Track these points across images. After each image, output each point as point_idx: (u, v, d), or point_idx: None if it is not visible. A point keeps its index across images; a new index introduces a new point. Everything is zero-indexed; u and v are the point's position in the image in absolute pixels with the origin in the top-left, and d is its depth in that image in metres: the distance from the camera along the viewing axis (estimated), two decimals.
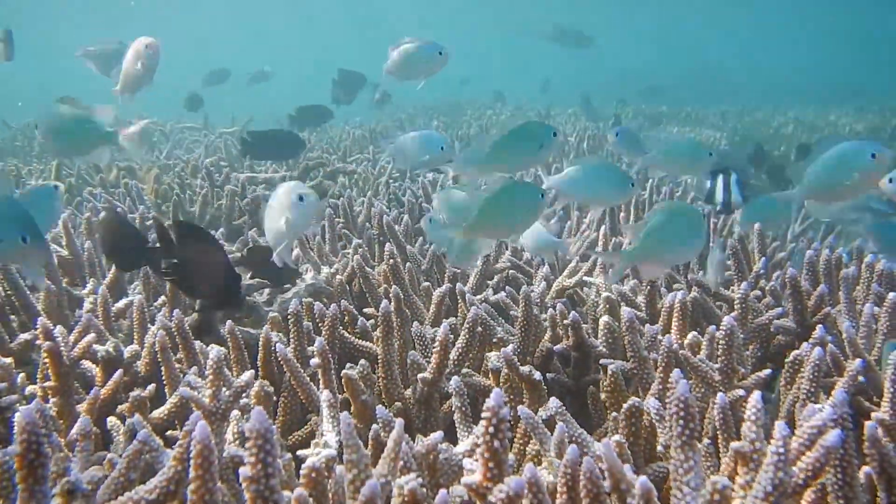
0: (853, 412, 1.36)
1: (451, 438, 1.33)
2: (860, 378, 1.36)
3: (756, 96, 10.17)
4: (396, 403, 1.51)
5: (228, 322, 1.58)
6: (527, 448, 1.27)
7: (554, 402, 1.24)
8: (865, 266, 1.87)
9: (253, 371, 1.33)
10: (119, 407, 1.50)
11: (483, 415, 0.83)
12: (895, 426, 1.21)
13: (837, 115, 7.48)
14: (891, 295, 1.52)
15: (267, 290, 2.08)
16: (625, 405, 1.26)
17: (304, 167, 3.88)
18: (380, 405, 1.30)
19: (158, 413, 1.47)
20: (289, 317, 1.59)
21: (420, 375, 1.48)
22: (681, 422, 0.91)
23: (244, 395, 1.26)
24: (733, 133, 6.85)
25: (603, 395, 1.48)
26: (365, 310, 2.04)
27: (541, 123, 1.91)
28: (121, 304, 1.90)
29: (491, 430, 0.82)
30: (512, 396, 1.47)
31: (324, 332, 1.59)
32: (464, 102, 8.89)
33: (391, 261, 2.03)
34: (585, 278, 2.12)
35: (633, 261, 1.72)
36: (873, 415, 1.22)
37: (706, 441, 1.26)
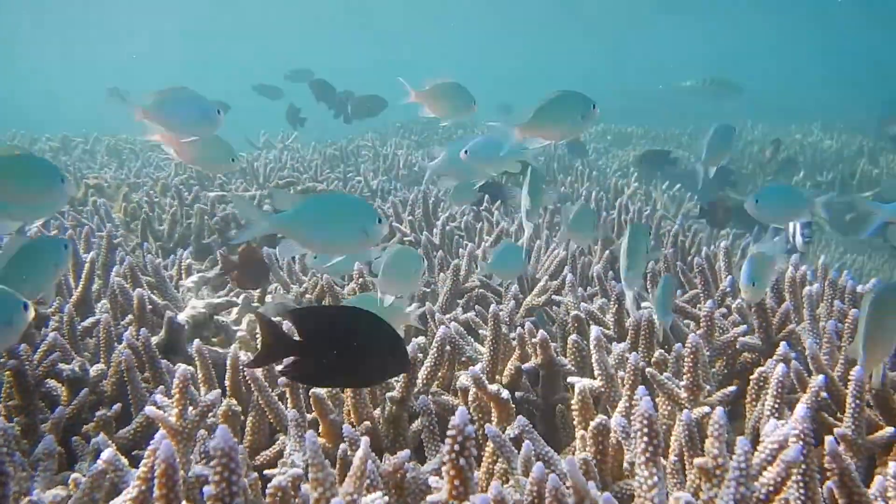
0: (815, 427, 1.38)
1: (421, 458, 1.34)
2: (823, 394, 1.38)
3: (725, 117, 10.26)
4: (365, 423, 1.51)
5: (196, 341, 1.57)
6: (494, 467, 1.27)
7: (521, 420, 1.24)
8: (829, 284, 1.89)
9: (220, 390, 1.33)
10: (84, 427, 1.49)
11: (448, 433, 0.83)
12: (857, 442, 1.23)
13: (803, 133, 7.57)
14: (853, 311, 1.55)
15: (235, 310, 2.07)
16: (592, 423, 1.27)
17: (274, 185, 3.87)
18: (347, 424, 1.30)
19: (124, 433, 1.46)
20: (257, 336, 1.58)
21: (388, 394, 1.48)
22: (645, 438, 0.92)
23: (211, 414, 1.25)
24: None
25: (570, 414, 1.49)
26: None
27: (581, 94, 1.93)
28: (87, 322, 1.88)
29: (456, 447, 0.83)
30: (480, 415, 1.47)
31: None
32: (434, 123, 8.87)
33: (360, 279, 2.03)
34: (555, 297, 2.14)
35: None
36: (835, 430, 1.24)
37: (672, 458, 1.27)
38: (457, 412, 0.83)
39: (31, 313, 1.28)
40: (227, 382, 1.56)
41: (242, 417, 1.52)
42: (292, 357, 1.26)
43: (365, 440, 0.96)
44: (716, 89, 7.71)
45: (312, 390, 1.43)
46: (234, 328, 1.95)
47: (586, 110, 1.88)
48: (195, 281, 2.21)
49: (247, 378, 1.45)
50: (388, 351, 1.37)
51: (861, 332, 1.30)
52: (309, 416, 1.49)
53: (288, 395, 1.42)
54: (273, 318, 1.38)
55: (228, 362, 1.55)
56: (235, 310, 2.07)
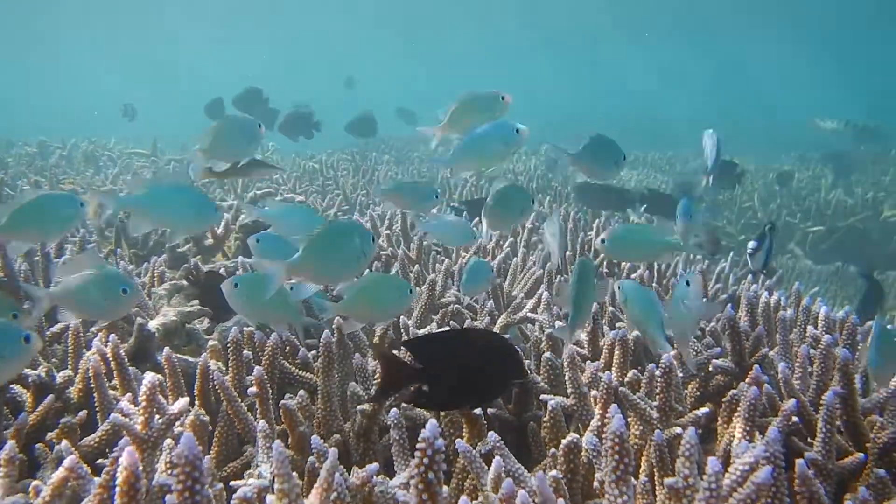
0: (786, 451, 1.38)
1: (393, 472, 1.32)
2: (794, 418, 1.38)
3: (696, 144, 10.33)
4: (335, 435, 1.49)
5: (165, 349, 1.55)
6: (464, 483, 1.26)
7: (492, 437, 1.23)
8: (802, 310, 1.90)
9: (187, 398, 1.31)
10: (49, 434, 1.46)
11: (417, 446, 0.82)
12: (827, 466, 1.23)
13: (780, 163, 7.66)
14: (825, 338, 1.55)
15: (207, 319, 2.05)
16: (563, 441, 1.26)
17: (251, 196, 3.85)
18: (315, 436, 1.28)
19: (89, 440, 1.43)
20: (228, 345, 1.56)
21: (359, 407, 1.47)
22: (615, 457, 0.91)
23: (178, 423, 1.23)
24: (679, 178, 6.98)
25: (543, 432, 1.48)
26: (308, 341, 2.02)
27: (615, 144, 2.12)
28: (56, 328, 1.85)
29: (425, 461, 0.82)
30: (451, 430, 1.46)
31: (263, 362, 1.57)
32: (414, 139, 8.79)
33: (334, 292, 2.02)
34: (529, 314, 2.13)
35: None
36: (806, 454, 1.24)
37: (643, 478, 1.26)
38: (427, 425, 0.81)
39: (37, 344, 1.25)
40: (195, 391, 1.54)
41: (211, 427, 1.51)
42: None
43: (333, 452, 0.95)
44: (857, 133, 7.66)
45: (283, 402, 1.41)
46: (206, 337, 1.93)
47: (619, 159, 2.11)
48: (167, 289, 2.18)
49: (216, 387, 1.44)
50: (504, 362, 1.44)
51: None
52: (280, 428, 1.47)
53: (258, 406, 1.40)
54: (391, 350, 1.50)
55: (198, 371, 1.53)
56: (207, 319, 2.05)
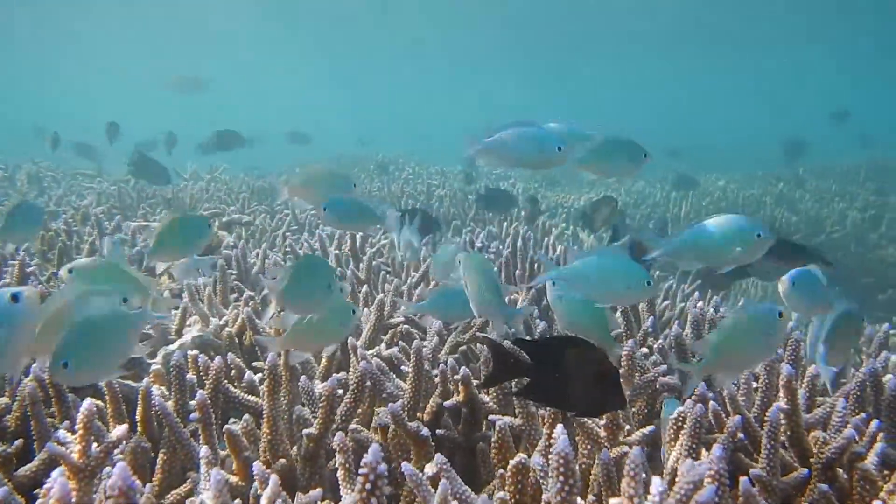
0: (731, 468, 1.39)
1: (339, 497, 1.30)
2: (739, 434, 1.39)
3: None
4: (281, 460, 1.47)
5: None
6: None
7: (439, 459, 1.22)
8: None
9: (127, 425, 1.28)
10: None
11: (360, 471, 0.81)
12: (771, 483, 1.24)
13: (727, 181, 7.76)
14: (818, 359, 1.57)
15: (150, 342, 2.01)
16: (511, 462, 1.26)
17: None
18: (256, 462, 1.26)
19: (25, 470, 1.39)
20: (171, 369, 1.53)
21: (305, 431, 1.45)
22: (561, 478, 0.91)
23: (119, 450, 1.20)
24: (628, 196, 7.05)
25: (491, 452, 1.48)
26: (254, 363, 1.99)
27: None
28: None
29: (368, 486, 0.80)
30: (399, 453, 1.45)
31: (207, 386, 1.54)
32: (387, 160, 8.67)
33: (281, 313, 1.99)
34: (479, 334, 2.13)
35: (709, 371, 1.53)
36: (750, 471, 1.25)
37: (590, 497, 1.26)
38: (369, 450, 0.80)
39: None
40: (137, 418, 1.50)
41: (154, 454, 1.47)
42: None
43: (274, 479, 0.93)
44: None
45: (226, 426, 1.39)
46: (149, 361, 1.89)
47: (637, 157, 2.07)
48: None
49: (158, 413, 1.41)
50: (608, 389, 1.38)
51: None
52: (224, 454, 1.45)
53: (200, 432, 1.38)
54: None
55: (139, 396, 1.50)
56: (150, 342, 2.01)
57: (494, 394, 1.65)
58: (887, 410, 1.48)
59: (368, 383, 1.58)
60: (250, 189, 5.68)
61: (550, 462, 0.93)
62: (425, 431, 1.41)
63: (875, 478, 1.19)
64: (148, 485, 1.36)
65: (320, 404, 1.44)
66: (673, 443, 1.42)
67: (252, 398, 1.67)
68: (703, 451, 1.34)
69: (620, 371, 1.68)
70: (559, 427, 1.08)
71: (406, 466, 1.15)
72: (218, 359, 1.58)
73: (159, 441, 1.49)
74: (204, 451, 1.23)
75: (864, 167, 8.12)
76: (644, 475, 0.98)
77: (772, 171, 8.45)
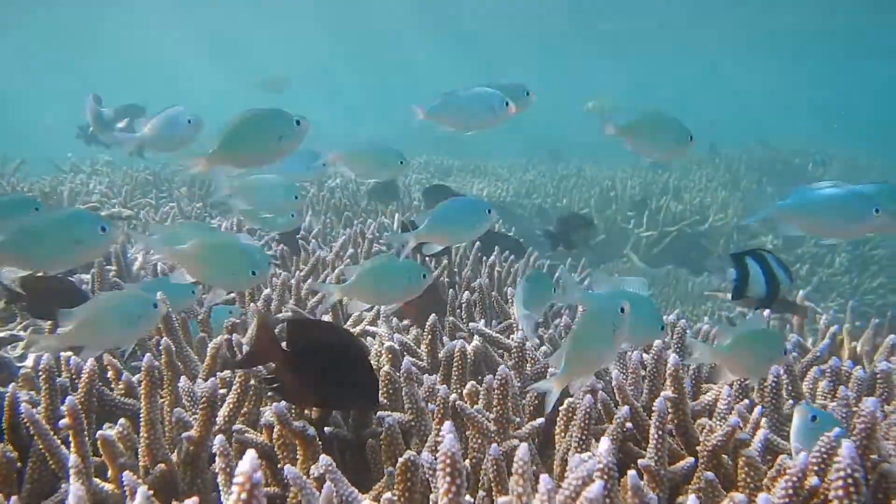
0: (622, 458, 1.39)
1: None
2: (628, 424, 1.39)
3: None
4: (160, 466, 1.40)
5: None
6: None
7: (324, 460, 1.17)
8: None
9: None
10: None
11: (234, 480, 0.76)
12: (659, 473, 1.24)
13: (623, 168, 7.91)
14: (656, 342, 1.58)
15: (21, 344, 1.90)
16: (399, 460, 1.22)
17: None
18: (127, 472, 1.19)
19: None
20: (40, 373, 1.44)
21: (185, 434, 1.38)
22: (447, 478, 0.88)
23: None
24: (519, 186, 7.11)
25: (381, 449, 1.44)
26: (134, 363, 1.90)
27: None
28: None
29: (244, 496, 0.75)
30: (286, 453, 1.40)
31: (79, 390, 1.45)
32: None
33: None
34: (368, 328, 2.09)
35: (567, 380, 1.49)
36: (639, 461, 1.25)
37: (481, 493, 1.24)
38: (245, 457, 0.76)
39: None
40: (3, 425, 1.41)
41: (22, 464, 1.38)
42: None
43: (142, 491, 0.87)
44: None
45: (100, 432, 1.31)
46: (18, 364, 1.78)
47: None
48: None
49: (26, 421, 1.32)
50: (364, 383, 1.46)
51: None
52: (99, 461, 1.37)
53: (72, 439, 1.30)
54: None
55: (6, 403, 1.41)
56: (21, 344, 1.90)
57: (385, 388, 1.61)
58: (770, 396, 1.51)
59: (253, 381, 1.52)
60: (133, 181, 5.48)
61: (437, 462, 0.90)
62: (311, 431, 1.36)
63: (758, 464, 1.21)
64: (13, 498, 1.28)
65: (200, 406, 1.37)
66: (563, 433, 1.42)
67: (130, 401, 1.59)
68: (594, 442, 1.34)
69: (510, 363, 1.68)
70: (447, 424, 1.06)
71: (289, 469, 1.10)
72: (90, 360, 1.50)
73: (27, 450, 1.40)
74: (73, 460, 1.16)
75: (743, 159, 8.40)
76: (535, 468, 0.97)
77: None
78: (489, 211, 2.06)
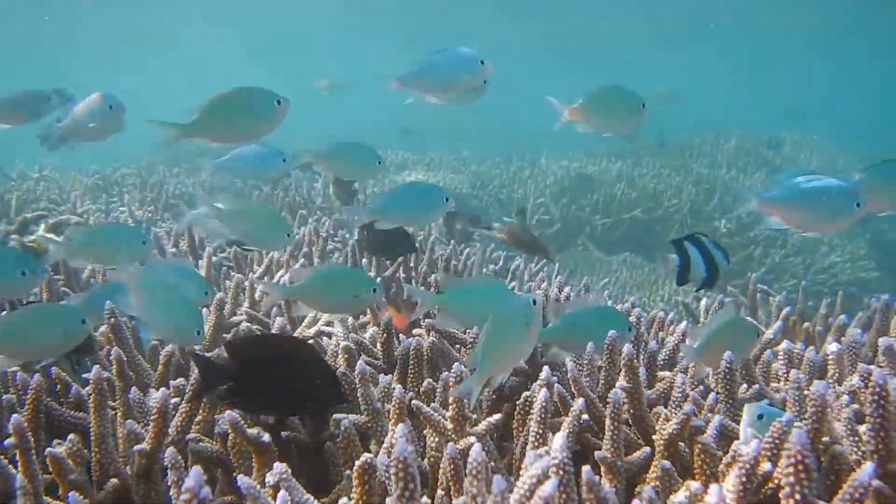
0: (579, 449, 1.39)
1: None
2: (584, 416, 1.40)
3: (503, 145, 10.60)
4: (112, 480, 1.37)
5: None
6: None
7: (277, 468, 1.16)
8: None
9: None
10: None
11: (181, 497, 0.75)
12: (616, 463, 1.25)
13: (569, 159, 7.94)
14: (610, 332, 1.59)
15: None
16: (357, 463, 1.21)
17: (21, 220, 3.54)
18: (73, 492, 1.17)
19: None
20: None
21: (136, 447, 1.36)
22: (400, 483, 0.87)
23: None
24: (474, 178, 7.11)
25: (339, 452, 1.43)
26: (84, 375, 1.86)
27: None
28: None
29: None
30: (240, 461, 1.38)
31: (26, 406, 1.42)
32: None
33: (112, 319, 1.87)
34: (324, 328, 2.07)
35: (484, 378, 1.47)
36: (595, 453, 1.25)
37: (440, 492, 1.23)
38: (191, 473, 0.74)
39: None
40: None
41: None
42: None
43: None
44: None
45: (49, 449, 1.28)
46: None
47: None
48: None
49: None
50: (322, 381, 1.46)
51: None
52: (49, 478, 1.34)
53: (19, 459, 1.26)
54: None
55: None
56: None
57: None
58: (724, 382, 1.52)
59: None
60: (84, 187, 5.39)
61: (390, 466, 0.89)
62: (266, 437, 1.34)
63: (714, 451, 1.22)
64: None
65: (151, 417, 1.35)
66: (520, 428, 1.41)
67: (80, 415, 1.56)
68: (551, 436, 1.34)
69: (465, 359, 1.67)
70: (400, 427, 1.05)
71: (241, 479, 1.08)
72: (37, 375, 1.46)
73: None
74: (20, 480, 1.13)
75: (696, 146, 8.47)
76: (493, 463, 0.96)
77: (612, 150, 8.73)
78: (447, 199, 2.08)
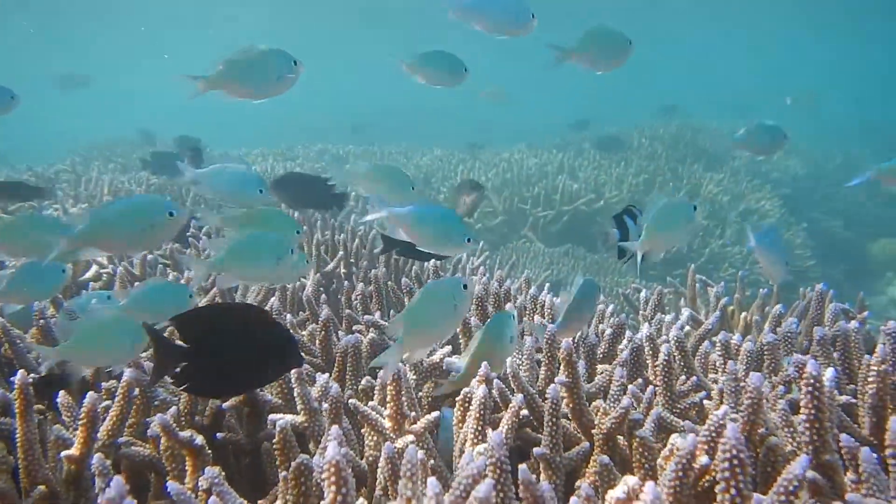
0: (520, 444, 1.39)
1: None
2: (523, 412, 1.39)
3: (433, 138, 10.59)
4: (39, 487, 1.32)
5: None
6: None
7: (209, 472, 1.13)
8: (530, 299, 1.93)
9: None
10: None
11: None
12: (555, 459, 1.24)
13: (510, 152, 7.96)
14: (550, 326, 1.58)
15: None
16: (293, 464, 1.19)
17: None
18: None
19: None
20: None
21: (63, 453, 1.31)
22: (333, 487, 0.85)
23: None
24: (417, 171, 7.10)
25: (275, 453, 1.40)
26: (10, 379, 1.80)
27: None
28: None
29: None
30: (174, 465, 1.34)
31: None
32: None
33: (41, 321, 1.81)
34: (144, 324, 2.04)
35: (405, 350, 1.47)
36: (534, 450, 1.24)
37: (378, 493, 1.22)
38: (112, 483, 0.71)
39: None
40: None
41: None
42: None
43: None
44: None
45: None
46: None
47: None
48: None
49: None
50: (279, 344, 1.36)
51: None
52: None
53: None
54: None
55: None
56: None
57: (279, 389, 1.57)
58: (662, 374, 1.52)
59: (136, 391, 1.46)
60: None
61: (322, 471, 0.87)
62: (199, 440, 1.31)
63: (652, 444, 1.22)
64: None
65: (80, 421, 1.30)
66: (461, 424, 1.40)
67: (5, 420, 1.50)
68: (490, 432, 1.33)
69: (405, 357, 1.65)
70: (334, 429, 1.03)
71: (171, 485, 1.06)
72: None
73: None
74: None
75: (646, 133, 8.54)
76: (433, 461, 0.95)
77: (554, 142, 8.79)
78: (412, 188, 2.17)
